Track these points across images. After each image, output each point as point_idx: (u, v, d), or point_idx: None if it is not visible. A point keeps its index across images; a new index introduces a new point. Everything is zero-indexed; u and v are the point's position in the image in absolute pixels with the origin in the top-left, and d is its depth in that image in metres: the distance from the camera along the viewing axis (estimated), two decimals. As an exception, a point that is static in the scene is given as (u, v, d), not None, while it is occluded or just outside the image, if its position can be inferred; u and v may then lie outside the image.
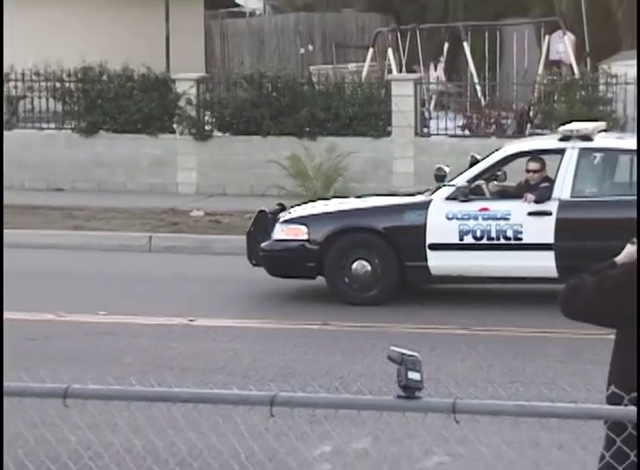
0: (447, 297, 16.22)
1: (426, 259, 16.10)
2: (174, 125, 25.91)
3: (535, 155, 16.79)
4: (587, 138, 16.30)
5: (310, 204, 17.67)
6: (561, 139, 16.50)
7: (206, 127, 25.81)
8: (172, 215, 21.82)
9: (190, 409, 8.12)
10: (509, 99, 27.52)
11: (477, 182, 16.31)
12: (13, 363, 11.72)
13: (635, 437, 5.83)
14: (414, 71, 28.39)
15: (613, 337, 6.74)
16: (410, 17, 34.46)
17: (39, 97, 27.24)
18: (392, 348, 5.46)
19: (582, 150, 16.16)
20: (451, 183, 16.33)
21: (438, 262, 16.11)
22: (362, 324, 14.78)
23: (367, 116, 24.89)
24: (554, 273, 15.69)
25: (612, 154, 16.52)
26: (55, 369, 10.76)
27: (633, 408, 5.60)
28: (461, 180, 16.32)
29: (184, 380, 11.55)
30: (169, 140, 25.91)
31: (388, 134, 24.51)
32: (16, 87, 27.14)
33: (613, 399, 6.16)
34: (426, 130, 25.13)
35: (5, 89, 27.06)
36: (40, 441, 8.87)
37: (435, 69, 30.20)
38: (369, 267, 16.27)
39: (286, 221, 16.70)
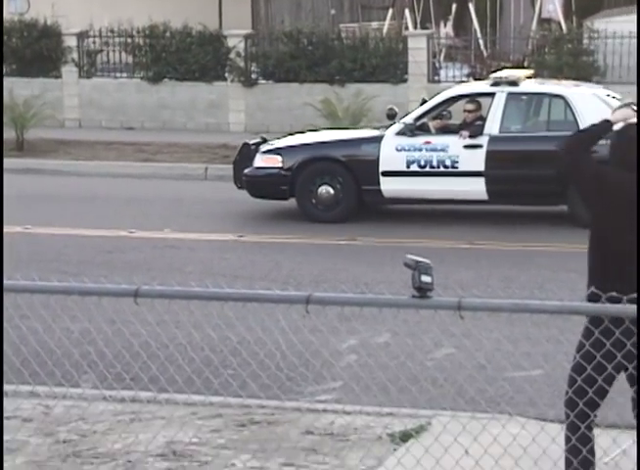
0: (455, 217, 16.16)
1: (379, 184, 16.32)
2: (226, 74, 25.84)
3: (471, 97, 16.93)
4: (514, 83, 16.44)
5: (289, 137, 17.78)
6: (492, 84, 16.63)
7: (253, 76, 25.75)
8: (225, 150, 21.77)
9: (240, 308, 8.16)
10: (507, 51, 27.37)
11: (422, 120, 16.44)
12: (93, 272, 11.82)
13: (610, 329, 5.86)
14: (427, 28, 28.16)
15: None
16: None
17: (113, 51, 27.21)
18: (408, 255, 5.48)
19: (509, 94, 16.30)
20: (402, 121, 16.50)
21: (389, 187, 16.32)
22: (382, 239, 14.80)
23: (387, 65, 24.85)
24: (484, 196, 16.02)
25: (534, 97, 16.69)
26: (128, 276, 10.83)
27: (609, 305, 5.64)
28: (409, 118, 16.52)
29: (234, 285, 11.58)
30: (222, 87, 25.85)
31: (405, 81, 24.45)
32: (94, 42, 27.10)
33: (592, 298, 6.20)
34: (437, 78, 25.05)
35: (85, 44, 26.99)
36: (117, 334, 8.97)
37: (445, 26, 29.98)
38: (332, 191, 16.44)
39: (264, 152, 16.91)
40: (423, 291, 5.41)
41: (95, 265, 12.69)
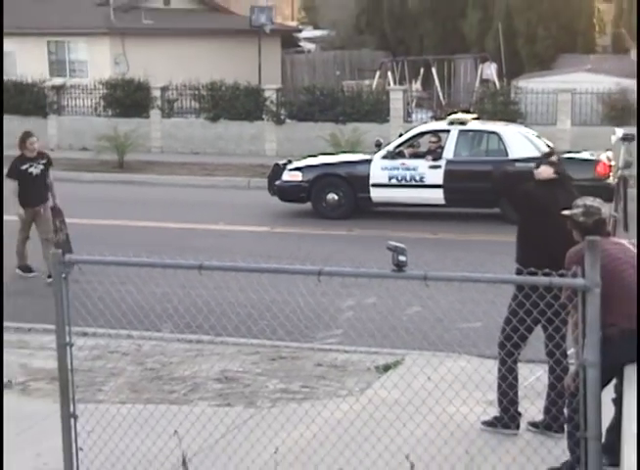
0: (422, 216, 16.09)
1: (369, 193, 16.19)
2: (263, 116, 25.71)
3: (433, 132, 16.76)
4: (463, 123, 16.29)
5: (307, 159, 17.53)
6: (448, 124, 16.43)
7: (282, 117, 25.64)
8: (262, 168, 21.61)
9: (272, 278, 8.16)
10: (458, 101, 27.27)
11: (399, 148, 16.31)
12: (171, 252, 11.79)
13: (529, 294, 5.85)
14: (402, 85, 28.06)
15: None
16: (401, 53, 34.04)
17: (185, 99, 27.14)
18: (389, 242, 5.48)
19: (460, 130, 16.13)
20: (385, 149, 16.36)
21: (377, 195, 16.20)
22: (371, 231, 14.73)
23: (375, 110, 24.72)
24: (442, 202, 15.92)
25: (477, 132, 16.42)
26: (195, 255, 10.82)
27: (529, 277, 5.60)
28: (390, 147, 16.41)
29: (268, 262, 11.57)
30: (260, 124, 25.74)
31: (388, 121, 24.27)
32: (172, 94, 27.06)
33: (518, 272, 6.20)
34: (410, 119, 24.83)
35: (166, 95, 26.97)
36: (186, 295, 8.97)
37: (415, 83, 29.82)
38: (336, 197, 16.31)
39: (290, 169, 16.75)
40: (400, 267, 5.38)
41: (172, 248, 12.69)
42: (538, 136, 16.64)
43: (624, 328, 5.31)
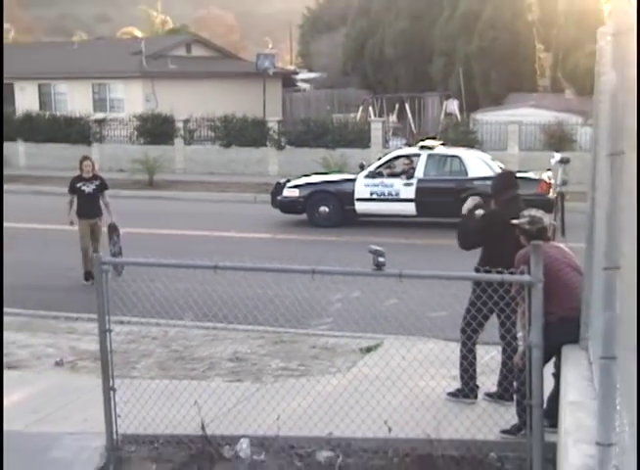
0: (397, 225, 16.09)
1: (354, 205, 16.14)
2: (267, 143, 25.72)
3: (407, 156, 16.68)
4: (431, 148, 16.25)
5: (303, 178, 17.30)
6: (419, 149, 16.40)
7: (282, 144, 25.64)
8: (266, 186, 21.49)
9: (275, 276, 8.11)
10: (427, 131, 27.27)
11: (379, 169, 16.27)
12: (191, 255, 11.73)
13: (485, 288, 5.84)
14: (381, 117, 28.09)
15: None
16: (380, 91, 34.01)
17: (203, 129, 27.13)
18: (370, 246, 5.48)
19: (429, 155, 16.11)
20: (367, 169, 16.36)
21: (360, 207, 16.14)
22: (356, 237, 14.70)
23: (359, 138, 24.71)
24: (414, 213, 15.91)
25: (443, 156, 16.29)
26: (210, 257, 10.80)
27: (485, 274, 5.60)
28: (371, 168, 16.36)
29: (271, 263, 11.56)
30: (265, 150, 25.71)
31: (369, 147, 24.28)
32: (192, 125, 27.05)
33: (476, 271, 6.20)
34: (387, 145, 24.82)
35: (187, 126, 26.94)
36: (204, 290, 8.92)
37: (392, 115, 29.85)
38: (327, 210, 16.23)
39: (289, 187, 16.68)
40: (379, 266, 5.39)
41: (192, 251, 12.67)
42: (492, 159, 16.66)
43: (562, 316, 5.32)
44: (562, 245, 5.96)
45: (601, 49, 4.55)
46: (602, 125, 4.34)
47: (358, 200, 16.19)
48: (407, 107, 29.17)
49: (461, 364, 6.50)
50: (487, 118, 25.10)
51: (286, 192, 16.67)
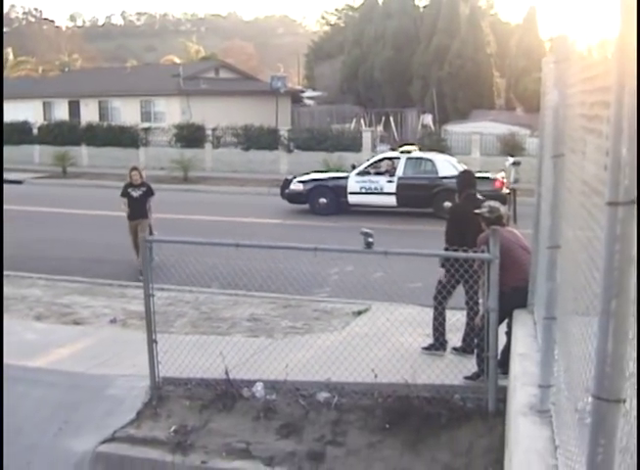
0: (381, 214, 15.99)
1: (347, 198, 15.97)
2: (278, 147, 25.62)
3: (390, 159, 16.38)
4: (410, 152, 16.12)
5: (305, 175, 17.01)
6: (400, 153, 16.26)
7: (291, 148, 25.54)
8: (277, 181, 21.33)
9: (285, 252, 8.10)
10: (407, 139, 27.10)
11: (368, 169, 16.09)
12: (216, 235, 11.64)
13: (453, 263, 5.82)
14: (371, 127, 27.95)
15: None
16: (370, 107, 33.81)
17: (227, 136, 26.97)
18: (362, 229, 5.46)
19: (408, 157, 15.95)
20: (358, 169, 16.17)
21: (352, 199, 15.96)
22: (349, 223, 14.61)
23: (352, 144, 24.59)
24: (395, 204, 15.72)
25: (419, 159, 16.04)
26: (232, 237, 10.77)
27: (454, 252, 5.57)
28: (362, 168, 16.20)
29: (283, 242, 11.52)
30: (277, 152, 25.59)
31: (361, 151, 24.19)
32: (219, 132, 26.89)
33: (446, 249, 6.17)
34: (375, 149, 24.69)
35: (214, 133, 26.78)
36: (227, 264, 8.84)
37: (379, 126, 29.71)
38: (326, 201, 16.05)
39: (295, 182, 16.50)
40: (368, 246, 5.38)
41: (216, 233, 12.63)
42: (458, 162, 16.59)
43: (514, 286, 5.32)
44: (514, 230, 5.95)
45: (545, 74, 4.56)
46: (546, 134, 4.34)
47: (351, 193, 16.10)
48: (391, 119, 29.08)
49: (433, 325, 6.50)
50: (455, 130, 25.02)
51: (292, 186, 16.55)
